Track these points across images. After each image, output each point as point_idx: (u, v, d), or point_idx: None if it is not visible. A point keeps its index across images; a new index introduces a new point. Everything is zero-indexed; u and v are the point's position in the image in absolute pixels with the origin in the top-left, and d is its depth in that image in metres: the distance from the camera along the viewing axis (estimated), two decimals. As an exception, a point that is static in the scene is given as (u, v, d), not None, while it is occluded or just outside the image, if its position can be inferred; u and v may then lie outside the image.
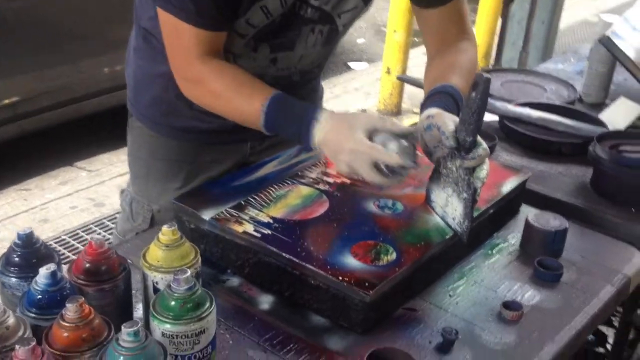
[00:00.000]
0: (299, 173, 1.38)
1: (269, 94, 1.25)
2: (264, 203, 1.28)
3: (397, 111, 4.01)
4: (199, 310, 0.88)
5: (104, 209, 3.08)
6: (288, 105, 1.25)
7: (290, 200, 1.29)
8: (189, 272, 0.88)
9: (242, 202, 1.27)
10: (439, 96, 1.27)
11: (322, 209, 1.28)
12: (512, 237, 1.38)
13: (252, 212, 1.25)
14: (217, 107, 1.32)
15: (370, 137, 1.18)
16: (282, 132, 1.27)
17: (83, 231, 2.92)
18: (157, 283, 0.96)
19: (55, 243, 2.81)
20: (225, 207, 1.25)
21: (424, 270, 1.19)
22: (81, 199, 3.14)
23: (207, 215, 1.23)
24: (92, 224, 2.97)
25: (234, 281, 1.22)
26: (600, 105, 2.05)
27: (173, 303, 0.88)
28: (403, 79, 2.31)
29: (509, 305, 1.17)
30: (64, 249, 2.80)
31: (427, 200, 1.30)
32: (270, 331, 1.11)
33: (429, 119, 1.20)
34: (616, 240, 1.41)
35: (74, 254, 2.78)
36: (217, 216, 1.23)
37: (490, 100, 1.89)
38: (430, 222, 1.26)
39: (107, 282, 0.95)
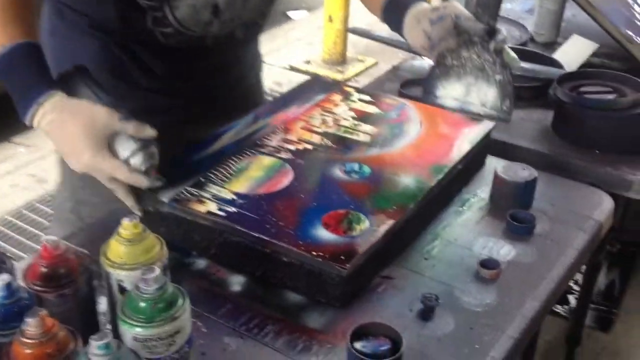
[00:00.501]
0: (258, 142, 1.31)
1: (21, 38, 1.10)
2: (224, 178, 1.21)
3: (343, 60, 3.93)
4: (172, 309, 0.82)
5: (47, 185, 2.94)
6: (26, 62, 1.10)
7: (252, 173, 1.23)
8: (157, 271, 0.82)
9: (202, 179, 1.20)
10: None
11: (286, 179, 1.22)
12: (481, 191, 1.34)
13: (214, 189, 1.18)
14: None
15: (113, 140, 1.09)
16: (7, 87, 1.11)
17: (27, 210, 2.80)
18: (122, 281, 0.89)
19: (-1, 225, 2.70)
20: (184, 186, 1.18)
21: (399, 236, 1.15)
22: (22, 176, 3.00)
23: (166, 196, 1.16)
24: (36, 201, 2.84)
25: (200, 263, 1.16)
26: (553, 44, 2.03)
27: (143, 305, 0.81)
28: (354, 32, 2.24)
29: (486, 263, 1.14)
30: (8, 229, 2.69)
31: (428, 99, 1.26)
32: (245, 314, 1.06)
33: (439, 11, 1.17)
34: (584, 185, 1.39)
35: (19, 235, 2.67)
36: (176, 197, 1.16)
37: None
38: (400, 185, 1.21)
39: (68, 286, 0.87)
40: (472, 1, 1.20)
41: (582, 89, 1.57)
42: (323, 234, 1.09)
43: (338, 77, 3.73)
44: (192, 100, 1.37)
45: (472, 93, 1.22)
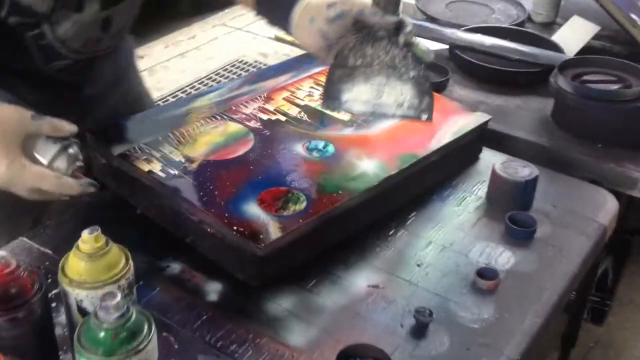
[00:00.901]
0: (233, 108, 1.24)
1: None
2: (182, 140, 1.15)
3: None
4: (135, 340, 0.72)
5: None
6: None
7: (212, 138, 1.16)
8: (119, 297, 0.72)
9: (160, 138, 1.14)
10: None
11: (243, 149, 1.15)
12: (477, 189, 1.25)
13: (167, 149, 1.12)
14: None
15: (29, 144, 0.94)
16: None
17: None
18: (81, 301, 0.79)
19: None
20: (139, 143, 1.13)
21: (340, 224, 1.07)
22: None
23: (117, 150, 1.11)
24: None
25: (175, 268, 1.07)
26: (551, 25, 1.93)
27: (102, 335, 0.72)
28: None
29: (484, 273, 1.06)
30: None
31: (332, 105, 1.14)
32: (221, 328, 0.97)
33: (336, 8, 1.04)
34: (587, 184, 1.30)
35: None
36: (127, 152, 1.11)
37: (438, 27, 1.74)
38: (357, 169, 1.12)
39: (20, 308, 0.77)
40: None
41: (585, 77, 1.47)
42: (253, 209, 1.02)
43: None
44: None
45: (385, 94, 1.09)
